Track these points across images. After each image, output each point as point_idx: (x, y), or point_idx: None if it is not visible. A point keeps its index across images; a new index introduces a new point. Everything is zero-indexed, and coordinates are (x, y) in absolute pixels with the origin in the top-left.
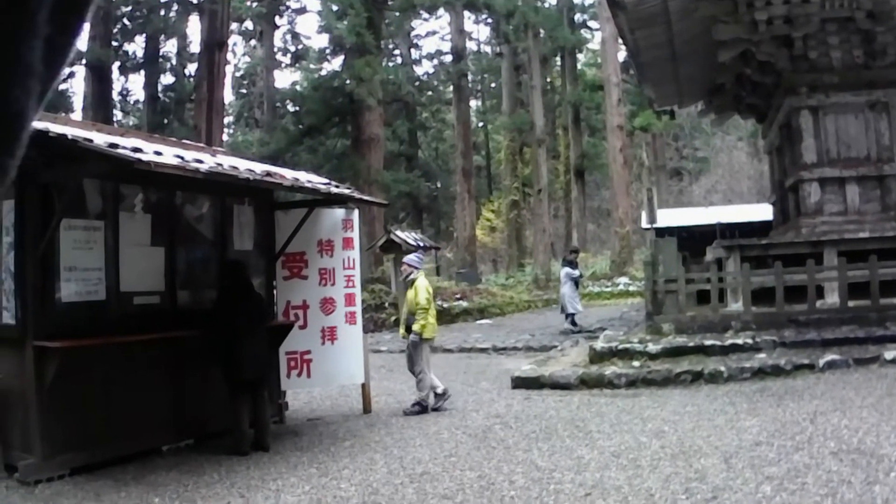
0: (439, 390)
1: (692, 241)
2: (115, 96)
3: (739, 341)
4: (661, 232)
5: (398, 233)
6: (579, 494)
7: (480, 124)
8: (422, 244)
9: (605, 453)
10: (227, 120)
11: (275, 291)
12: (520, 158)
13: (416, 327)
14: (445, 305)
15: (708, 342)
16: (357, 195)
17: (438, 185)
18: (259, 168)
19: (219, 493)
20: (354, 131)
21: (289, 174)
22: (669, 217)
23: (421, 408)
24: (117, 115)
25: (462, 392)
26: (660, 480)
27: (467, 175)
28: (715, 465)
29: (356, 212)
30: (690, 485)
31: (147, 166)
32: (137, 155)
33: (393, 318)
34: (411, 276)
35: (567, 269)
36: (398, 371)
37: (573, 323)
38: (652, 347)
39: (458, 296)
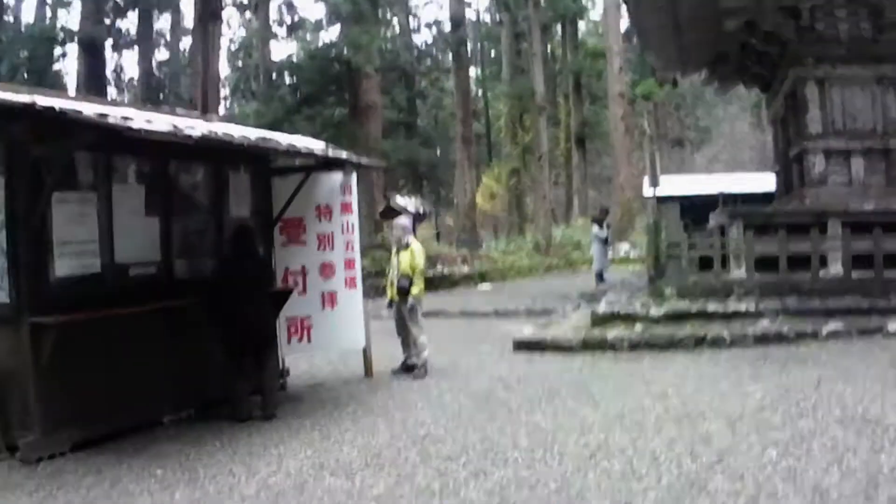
0: (410, 361)
1: (694, 209)
2: (110, 74)
3: (742, 307)
4: (664, 200)
5: (398, 199)
6: (584, 455)
7: (480, 92)
8: (422, 210)
9: (608, 415)
10: (223, 93)
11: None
12: (520, 126)
13: (414, 291)
14: (446, 271)
15: (710, 307)
16: (354, 158)
17: (438, 152)
18: (254, 134)
19: (221, 461)
20: (352, 99)
21: (284, 139)
22: (672, 184)
23: (426, 370)
24: (112, 92)
25: (464, 355)
26: (664, 443)
27: (467, 142)
28: (719, 429)
29: (354, 176)
30: (695, 448)
31: (137, 133)
32: (128, 123)
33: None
34: (406, 240)
35: (595, 228)
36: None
37: (601, 279)
38: (654, 312)
39: (458, 261)
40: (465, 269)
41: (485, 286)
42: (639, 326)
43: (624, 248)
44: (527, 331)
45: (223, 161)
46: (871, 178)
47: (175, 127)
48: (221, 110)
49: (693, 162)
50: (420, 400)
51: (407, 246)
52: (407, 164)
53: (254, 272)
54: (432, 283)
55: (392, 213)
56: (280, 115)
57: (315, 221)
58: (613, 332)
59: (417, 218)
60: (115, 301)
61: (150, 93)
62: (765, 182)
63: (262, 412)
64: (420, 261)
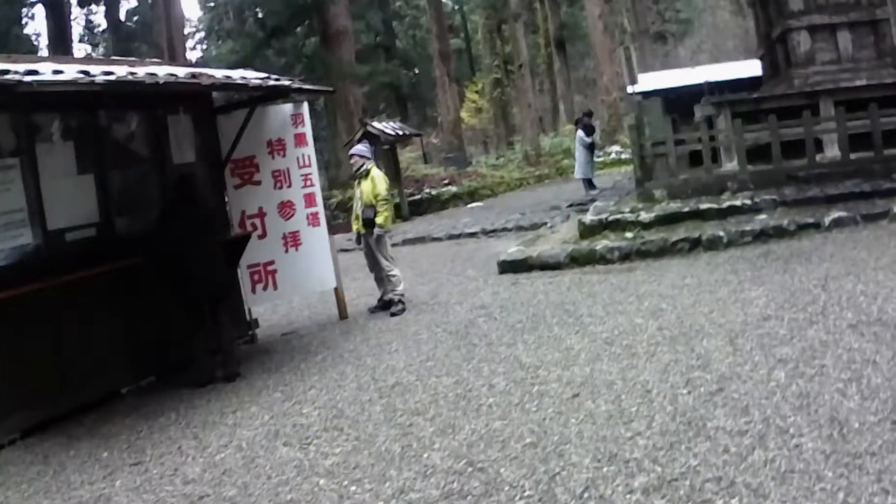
0: (387, 297)
1: (680, 102)
2: (81, 29)
3: (737, 203)
4: (648, 95)
5: (375, 124)
6: (566, 396)
7: (456, 7)
8: (402, 132)
9: (596, 341)
10: (199, 35)
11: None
12: (498, 36)
13: (380, 220)
14: (434, 192)
15: (704, 206)
16: (298, 85)
17: (418, 72)
18: (184, 72)
19: (172, 436)
20: (321, 27)
21: (218, 73)
22: (654, 80)
23: (403, 305)
24: (86, 48)
25: (447, 283)
26: (657, 371)
27: (445, 58)
28: (719, 348)
29: (305, 105)
30: (692, 374)
31: (29, 87)
32: (19, 77)
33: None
34: (364, 168)
35: (579, 134)
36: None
37: (591, 186)
38: (644, 216)
39: (446, 181)
40: (454, 188)
41: (475, 204)
42: (629, 234)
43: (614, 150)
44: (512, 250)
45: (159, 105)
46: (861, 53)
47: (87, 75)
48: (198, 54)
49: (676, 55)
50: (395, 340)
51: (367, 174)
52: (388, 86)
53: (199, 221)
54: (420, 207)
55: (370, 138)
56: (249, 51)
57: (268, 158)
58: (602, 243)
59: (399, 140)
60: (53, 271)
61: (121, 44)
62: (750, 68)
63: (224, 373)
64: (382, 188)
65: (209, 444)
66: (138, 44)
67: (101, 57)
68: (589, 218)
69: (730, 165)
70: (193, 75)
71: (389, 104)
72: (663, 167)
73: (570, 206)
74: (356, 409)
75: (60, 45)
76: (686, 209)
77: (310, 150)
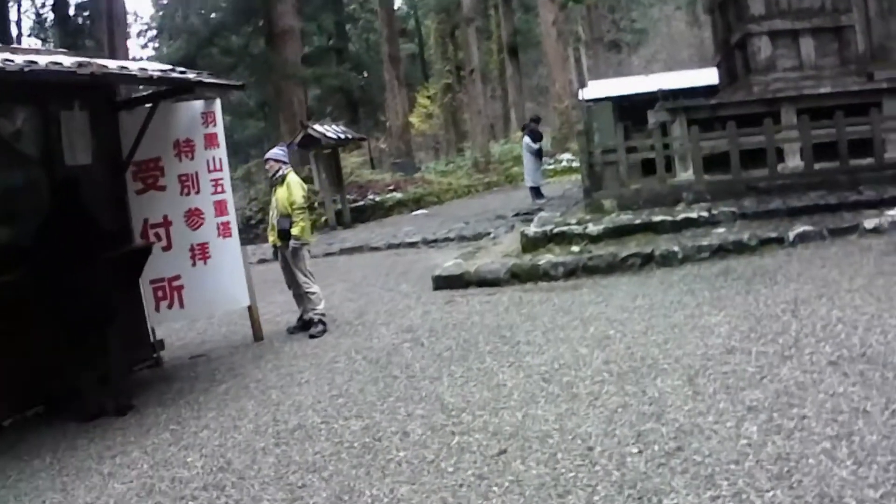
0: (307, 317)
1: (633, 110)
2: (30, 22)
3: (693, 215)
4: (597, 102)
5: (316, 126)
6: (490, 453)
7: (411, 11)
8: (344, 136)
9: (532, 376)
10: (151, 33)
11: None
12: (451, 41)
13: (295, 231)
14: (378, 199)
15: (657, 218)
16: (206, 79)
17: (370, 76)
18: (70, 60)
19: (39, 486)
20: (267, 26)
21: (112, 63)
22: (607, 87)
23: (324, 325)
24: (36, 42)
25: (377, 300)
26: (602, 420)
27: (395, 61)
28: (676, 389)
29: (218, 103)
30: (644, 426)
31: None
32: None
33: (323, 219)
34: (280, 173)
35: (526, 140)
36: (316, 279)
37: (537, 194)
38: (592, 228)
39: (391, 187)
40: (399, 195)
41: (420, 211)
42: (575, 248)
43: (565, 157)
44: (448, 264)
45: (49, 99)
46: (824, 60)
47: None
48: (150, 52)
49: (630, 65)
50: (308, 368)
51: (283, 180)
52: (339, 90)
53: (80, 232)
54: (363, 214)
55: (311, 141)
56: (192, 49)
57: (174, 161)
58: (546, 258)
59: (342, 144)
60: None
61: (67, 39)
62: (706, 77)
63: (115, 405)
64: (297, 195)
65: (76, 499)
66: (86, 39)
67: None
68: (532, 230)
69: (685, 175)
70: (81, 64)
71: (340, 108)
72: (613, 176)
73: (517, 215)
74: (246, 461)
75: (2, 38)
76: (637, 221)
77: (221, 152)
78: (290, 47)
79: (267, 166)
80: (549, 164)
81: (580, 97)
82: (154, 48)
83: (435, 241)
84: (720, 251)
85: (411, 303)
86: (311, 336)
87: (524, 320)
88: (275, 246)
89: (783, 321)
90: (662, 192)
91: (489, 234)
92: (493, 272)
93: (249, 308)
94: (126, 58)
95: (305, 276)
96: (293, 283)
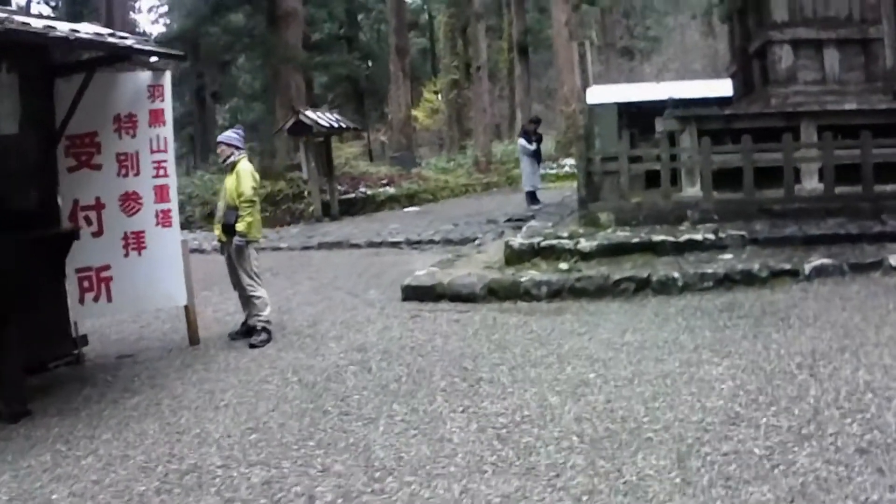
0: (251, 322)
1: (641, 118)
2: None
3: (698, 236)
4: (601, 107)
5: (308, 113)
6: None
7: (424, 4)
8: (338, 124)
9: (486, 431)
10: (163, 10)
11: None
12: (460, 37)
13: (240, 227)
14: (369, 192)
15: (657, 237)
16: (143, 46)
17: (377, 67)
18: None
19: None
20: (269, 6)
21: (37, 22)
22: (614, 92)
23: (268, 334)
24: (45, 9)
25: (338, 307)
26: None
27: (401, 53)
28: (661, 473)
29: (167, 75)
30: None
31: None
32: None
33: (311, 209)
34: (231, 159)
35: (521, 141)
36: (283, 276)
37: (533, 199)
38: (585, 244)
39: (384, 181)
40: (391, 189)
41: (412, 208)
42: (564, 265)
43: (569, 162)
44: (420, 273)
45: None
46: (848, 74)
47: None
48: (161, 29)
49: (642, 72)
50: (234, 388)
51: (233, 168)
52: (346, 79)
53: None
54: (353, 207)
55: (302, 128)
56: (189, 25)
57: (113, 137)
58: (530, 274)
59: (335, 132)
60: None
61: (75, 7)
62: (719, 87)
63: (7, 410)
64: (246, 185)
65: None
66: (86, 9)
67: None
68: (518, 241)
69: (691, 191)
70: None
71: (347, 97)
72: (613, 187)
73: (509, 220)
74: None
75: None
76: (635, 239)
77: (167, 131)
78: (291, 30)
79: (218, 150)
80: (552, 169)
81: (586, 102)
82: (165, 24)
83: (419, 242)
84: (726, 281)
85: (373, 314)
86: (252, 346)
87: (492, 349)
88: (220, 241)
89: (799, 382)
90: (665, 209)
91: (476, 239)
92: (469, 286)
93: (186, 308)
94: (124, 28)
95: (251, 277)
96: (237, 285)
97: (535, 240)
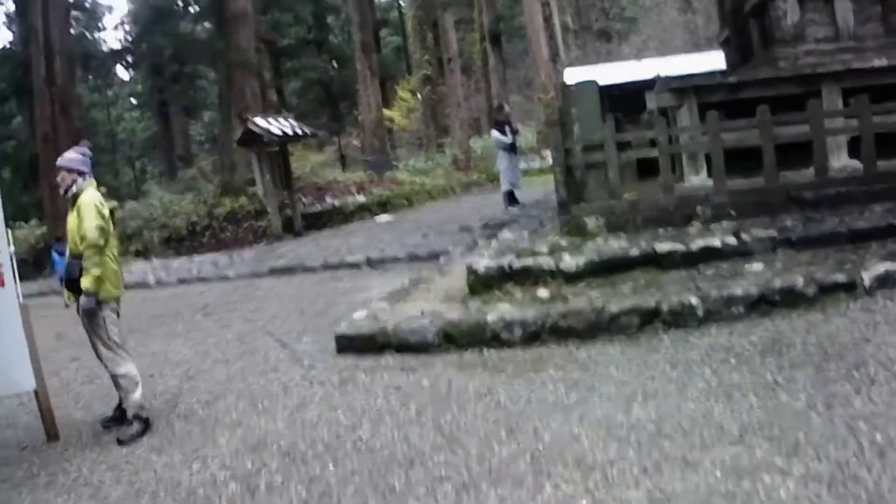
0: (125, 406)
1: (624, 100)
2: None
3: (715, 242)
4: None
5: (258, 121)
6: None
7: (394, 1)
8: (293, 131)
9: None
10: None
11: None
12: (431, 30)
13: (85, 282)
14: (336, 203)
15: (662, 246)
16: None
17: (349, 69)
18: None
19: None
20: (217, 9)
21: None
22: (593, 74)
23: (141, 424)
24: None
25: (256, 368)
26: None
27: (367, 50)
28: None
29: None
30: None
31: None
32: None
33: (271, 228)
34: (73, 190)
35: (494, 134)
36: (215, 317)
37: (511, 200)
38: (569, 261)
39: (354, 189)
40: (361, 198)
41: (384, 217)
42: (543, 291)
43: (549, 155)
44: (362, 316)
45: None
46: (864, 28)
47: None
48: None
49: (620, 54)
50: None
51: (75, 200)
52: (318, 83)
53: None
54: (319, 220)
55: (252, 138)
56: (138, 36)
57: None
58: (500, 309)
59: (290, 140)
60: None
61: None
62: (708, 61)
63: None
64: (89, 225)
65: None
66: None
67: None
68: (485, 262)
69: (696, 179)
70: None
71: (322, 103)
72: (600, 183)
73: (485, 226)
74: None
75: None
76: (634, 251)
77: None
78: (241, 32)
79: (58, 178)
80: (534, 162)
81: (564, 79)
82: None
83: (381, 260)
84: (761, 305)
85: (295, 378)
86: (119, 442)
87: (439, 445)
88: (69, 302)
89: None
90: (668, 206)
91: (448, 252)
92: (419, 332)
93: (36, 394)
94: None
95: (110, 349)
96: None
97: (506, 260)
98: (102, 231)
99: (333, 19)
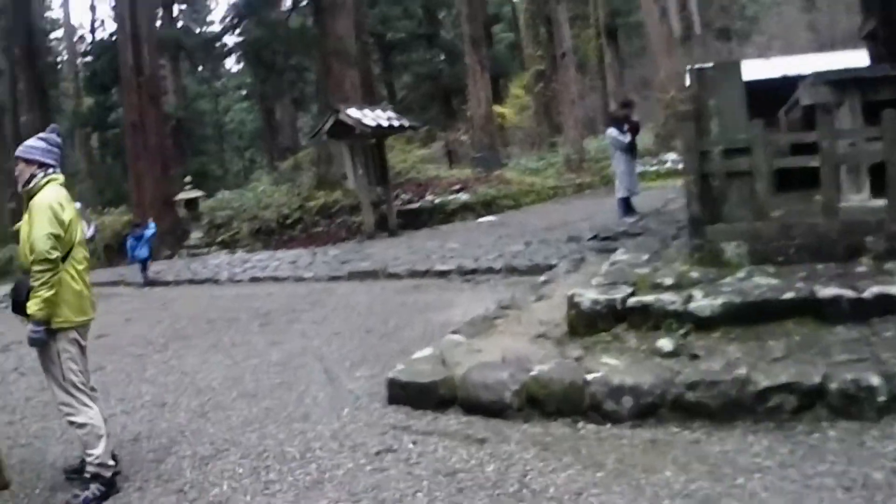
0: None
1: (759, 102)
2: None
3: (894, 289)
4: (719, 73)
5: (350, 112)
6: None
7: None
8: (390, 123)
9: None
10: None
11: None
12: (544, 25)
13: (32, 307)
14: (437, 201)
15: (824, 290)
16: None
17: (462, 64)
18: None
19: None
20: None
21: None
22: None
23: (102, 487)
24: None
25: (283, 413)
26: None
27: (476, 44)
28: None
29: None
30: None
31: None
32: None
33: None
34: (31, 185)
35: (612, 132)
36: (271, 328)
37: (627, 209)
38: (703, 302)
39: (457, 187)
40: (464, 196)
41: (488, 218)
42: (666, 341)
43: (670, 158)
44: (423, 356)
45: None
46: None
47: None
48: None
49: (742, 54)
50: None
51: (30, 199)
52: (427, 78)
53: None
54: (418, 219)
55: (344, 130)
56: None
57: None
58: (605, 364)
59: (386, 133)
60: None
61: None
62: (847, 60)
63: None
64: (39, 233)
65: None
66: None
67: None
68: (590, 297)
69: (857, 199)
70: None
71: (433, 98)
72: (743, 196)
73: (593, 238)
74: None
75: None
76: (788, 294)
77: None
78: (339, 21)
79: (16, 171)
80: (651, 166)
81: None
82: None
83: (474, 271)
84: None
85: (325, 434)
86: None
87: None
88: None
89: None
90: (828, 232)
91: (551, 267)
92: (495, 388)
93: None
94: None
95: (66, 392)
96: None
97: (619, 293)
98: (57, 241)
99: (445, 14)
